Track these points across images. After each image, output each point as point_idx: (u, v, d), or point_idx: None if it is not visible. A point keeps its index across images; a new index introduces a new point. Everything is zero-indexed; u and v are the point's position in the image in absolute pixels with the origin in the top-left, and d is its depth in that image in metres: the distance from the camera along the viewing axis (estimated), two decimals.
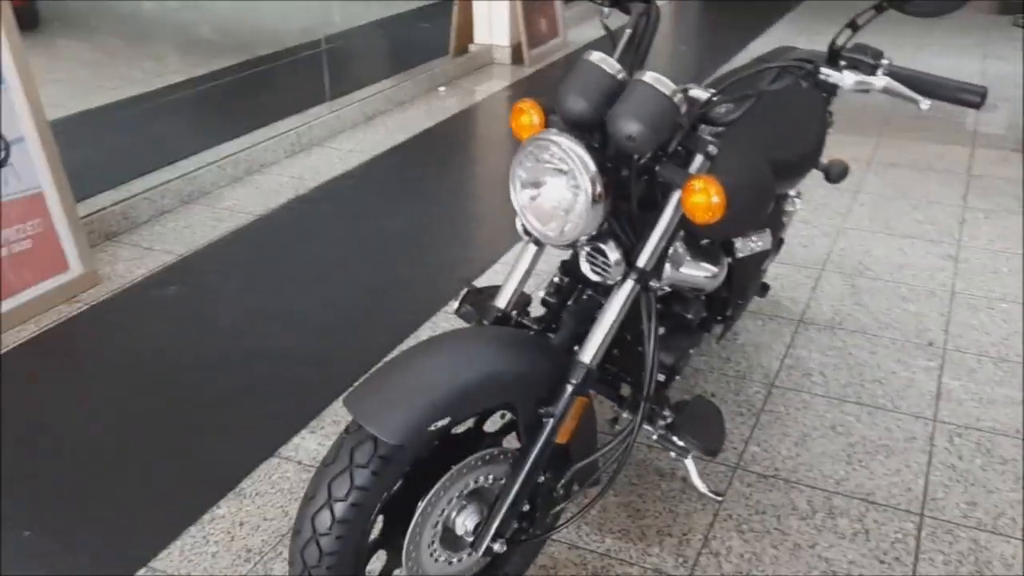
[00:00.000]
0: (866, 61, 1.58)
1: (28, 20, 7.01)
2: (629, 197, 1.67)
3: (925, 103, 1.52)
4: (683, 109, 1.59)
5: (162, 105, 5.29)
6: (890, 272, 3.44)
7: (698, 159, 1.65)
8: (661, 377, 2.13)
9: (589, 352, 1.70)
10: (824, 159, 2.94)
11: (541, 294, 1.97)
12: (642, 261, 1.70)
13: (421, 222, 3.89)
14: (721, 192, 1.55)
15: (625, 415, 2.12)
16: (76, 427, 2.55)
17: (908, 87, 1.57)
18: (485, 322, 1.85)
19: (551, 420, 1.68)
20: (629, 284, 1.70)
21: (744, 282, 2.34)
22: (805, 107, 2.48)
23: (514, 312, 1.87)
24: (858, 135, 4.92)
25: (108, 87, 5.79)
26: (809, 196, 4.10)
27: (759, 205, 1.83)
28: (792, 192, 2.58)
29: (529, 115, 1.72)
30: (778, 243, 2.63)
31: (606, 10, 1.83)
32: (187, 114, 5.15)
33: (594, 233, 1.66)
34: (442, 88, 5.81)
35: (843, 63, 1.58)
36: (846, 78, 1.56)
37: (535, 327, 1.93)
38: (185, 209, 3.98)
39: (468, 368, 1.59)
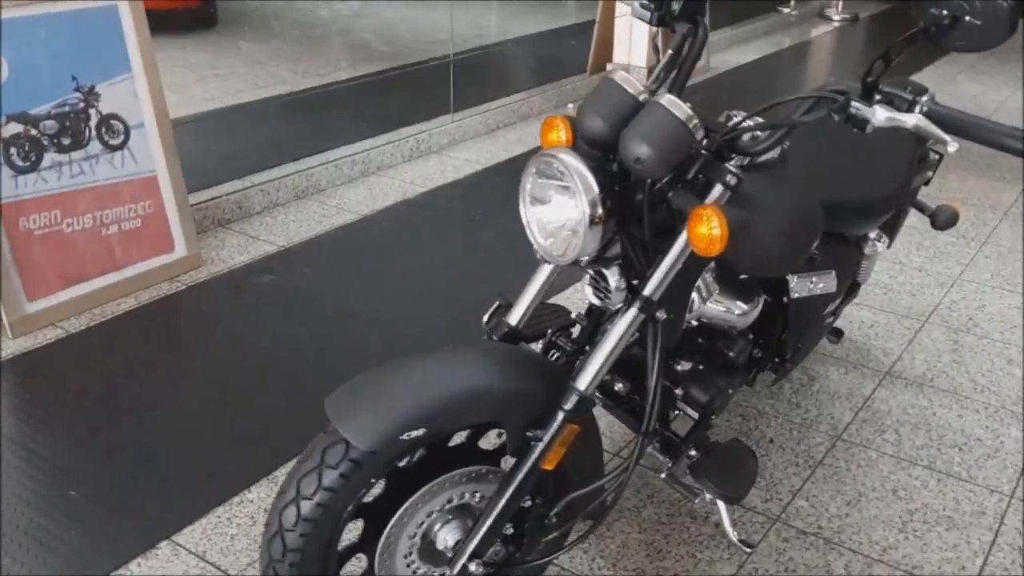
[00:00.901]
0: (903, 97, 1.47)
1: (205, 20, 7.53)
2: (641, 223, 1.61)
3: (953, 145, 1.39)
4: (699, 136, 1.52)
5: (300, 104, 5.54)
6: (1001, 331, 3.17)
7: (717, 189, 1.58)
8: (694, 415, 2.05)
9: (585, 379, 1.64)
10: (933, 203, 2.75)
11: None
12: (648, 290, 1.63)
13: (517, 236, 3.89)
14: (724, 224, 1.47)
15: (648, 449, 2.05)
16: (143, 396, 2.70)
17: (947, 128, 1.45)
18: (495, 337, 1.83)
19: (539, 444, 1.63)
20: (632, 312, 1.64)
21: (801, 325, 2.21)
22: (885, 144, 2.31)
23: (524, 328, 1.84)
24: (1003, 180, 4.56)
25: (260, 84, 6.12)
26: (930, 242, 3.83)
27: (789, 243, 1.72)
28: (872, 234, 2.41)
29: (558, 131, 1.69)
30: (851, 287, 2.46)
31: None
32: (319, 115, 5.37)
33: (593, 256, 1.61)
34: (571, 105, 5.81)
35: (877, 97, 1.47)
36: (877, 114, 1.45)
37: (559, 350, 1.90)
38: (297, 203, 4.15)
39: (453, 381, 1.58)
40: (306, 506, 1.53)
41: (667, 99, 1.50)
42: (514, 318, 1.84)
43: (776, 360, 2.33)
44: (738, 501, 2.00)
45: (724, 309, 1.88)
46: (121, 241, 3.28)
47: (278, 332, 3.07)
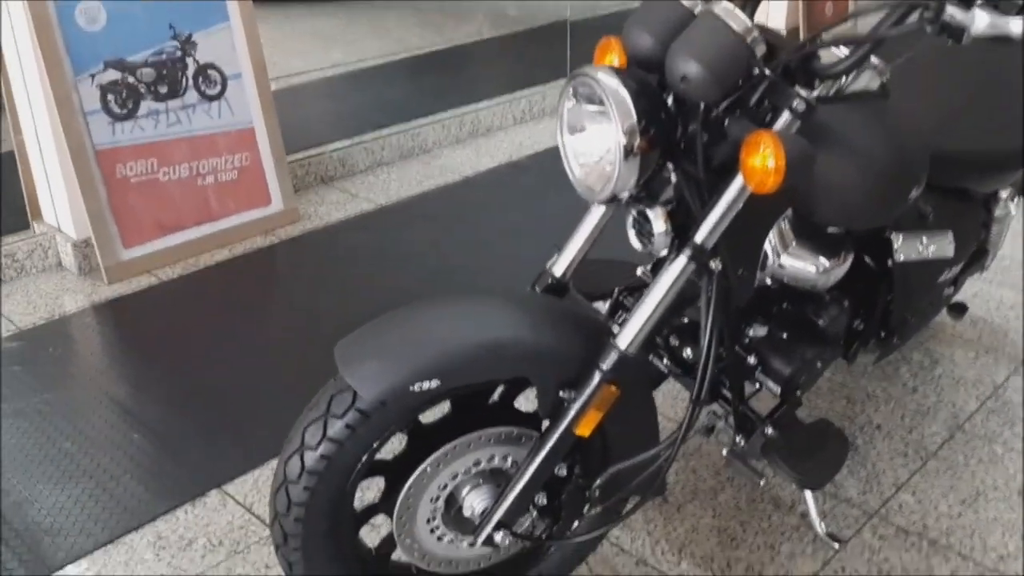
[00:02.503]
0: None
1: None
2: (695, 157, 1.39)
3: None
4: (759, 51, 1.29)
5: (419, 67, 5.47)
6: None
7: (783, 117, 1.34)
8: (775, 390, 1.81)
9: (626, 336, 1.45)
10: None
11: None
12: (700, 235, 1.41)
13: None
14: (780, 154, 1.24)
15: (720, 424, 1.83)
16: (224, 346, 2.67)
17: None
18: (538, 290, 1.65)
19: (572, 406, 1.45)
20: (680, 261, 1.42)
21: (909, 293, 1.92)
22: None
23: (570, 280, 1.65)
24: None
25: (385, 51, 6.10)
26: None
27: (872, 189, 1.46)
28: (1004, 193, 2.08)
29: (612, 54, 1.48)
30: (976, 254, 2.13)
31: None
32: (435, 78, 5.28)
33: (634, 192, 1.40)
34: None
35: (979, 0, 1.20)
36: (978, 19, 1.18)
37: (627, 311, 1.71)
38: (401, 163, 4.07)
39: (474, 331, 1.42)
40: (310, 457, 1.41)
41: (723, 7, 1.28)
42: (559, 268, 1.65)
43: (881, 335, 2.04)
44: (815, 488, 1.75)
45: (803, 265, 1.63)
46: (217, 192, 3.28)
47: (369, 286, 2.99)
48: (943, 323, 2.66)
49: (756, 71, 1.31)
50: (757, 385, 1.87)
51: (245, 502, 2.07)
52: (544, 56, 5.36)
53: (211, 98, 3.21)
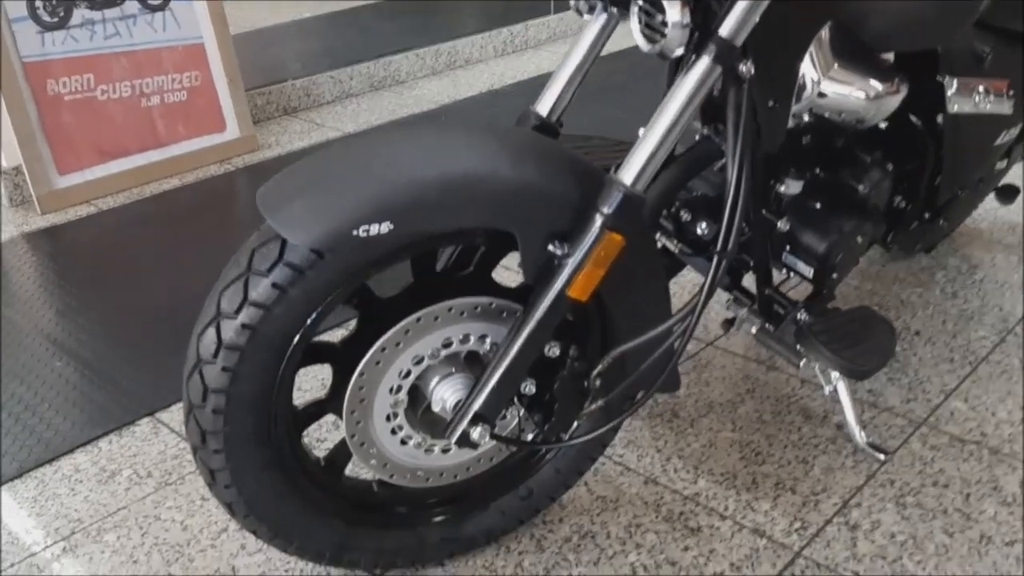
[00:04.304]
0: None
1: None
2: None
3: None
4: None
5: (397, 10, 5.13)
6: None
7: None
8: (808, 272, 1.51)
9: (631, 170, 1.14)
10: None
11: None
12: (726, 29, 1.10)
13: (617, 123, 3.36)
14: None
15: (743, 313, 1.53)
16: (162, 276, 2.35)
17: None
18: None
19: (566, 262, 1.14)
20: (703, 63, 1.11)
21: (961, 156, 1.62)
22: None
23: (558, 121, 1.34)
24: None
25: None
26: None
27: None
28: None
29: None
30: None
31: None
32: (414, 19, 4.94)
33: None
34: None
35: None
36: None
37: None
38: (373, 94, 3.74)
39: (438, 164, 1.10)
40: (229, 328, 1.09)
41: None
42: (545, 106, 1.35)
43: (925, 216, 1.74)
44: (864, 376, 1.45)
45: (849, 91, 1.32)
46: (164, 115, 2.94)
47: None
48: (978, 228, 2.37)
49: None
50: (785, 272, 1.57)
51: (179, 430, 1.76)
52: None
53: (154, 8, 2.87)
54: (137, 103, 2.88)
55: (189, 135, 2.99)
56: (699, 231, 1.48)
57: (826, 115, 1.36)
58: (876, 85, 1.33)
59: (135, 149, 2.88)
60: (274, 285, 1.08)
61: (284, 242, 1.08)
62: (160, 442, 1.73)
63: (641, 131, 1.35)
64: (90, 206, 2.76)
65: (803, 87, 1.29)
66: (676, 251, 1.53)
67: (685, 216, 1.51)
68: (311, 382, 1.83)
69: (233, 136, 3.08)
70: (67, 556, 1.48)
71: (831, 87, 1.30)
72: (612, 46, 1.48)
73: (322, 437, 1.70)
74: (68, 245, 2.55)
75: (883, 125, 1.53)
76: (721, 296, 1.60)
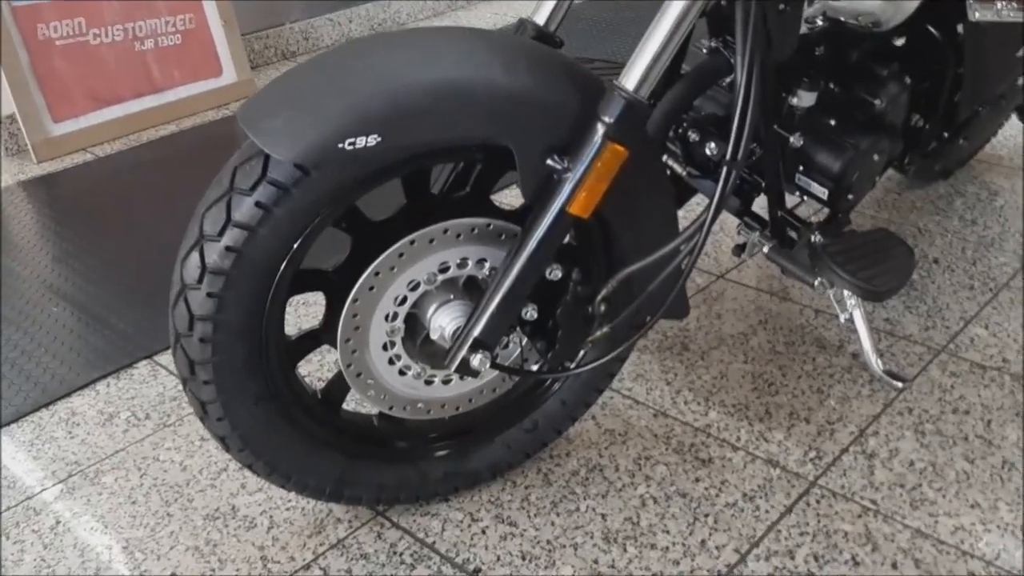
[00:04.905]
0: None
1: None
2: None
3: None
4: None
5: None
6: None
7: None
8: (822, 193, 1.45)
9: (633, 76, 1.07)
10: None
11: None
12: None
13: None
14: None
15: (754, 237, 1.47)
16: (159, 221, 2.30)
17: None
18: None
19: (566, 176, 1.08)
20: None
21: (982, 69, 1.54)
22: None
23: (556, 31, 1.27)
24: None
25: None
26: None
27: None
28: None
29: None
30: None
31: None
32: None
33: None
34: None
35: None
36: None
37: None
38: None
39: (428, 70, 1.04)
40: (213, 251, 1.04)
41: None
42: (542, 15, 1.28)
43: (944, 135, 1.67)
44: (882, 298, 1.39)
45: None
46: (159, 59, 2.87)
47: None
48: (998, 155, 2.29)
49: None
50: (798, 196, 1.51)
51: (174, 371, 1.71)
52: None
53: None
54: (130, 47, 2.81)
55: (185, 80, 2.92)
56: (708, 151, 1.41)
57: (841, 19, 1.28)
58: None
59: (130, 95, 2.82)
60: (258, 204, 1.02)
61: (267, 158, 1.02)
62: (159, 384, 1.70)
63: None
64: (86, 153, 2.71)
65: None
66: (684, 174, 1.47)
67: (693, 137, 1.44)
68: (311, 322, 1.79)
69: (230, 81, 3.01)
70: (65, 498, 1.45)
71: None
72: None
73: (324, 377, 1.66)
74: (64, 192, 2.50)
75: (900, 38, 1.45)
76: (732, 225, 1.54)
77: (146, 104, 2.85)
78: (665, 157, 1.46)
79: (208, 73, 2.97)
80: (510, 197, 1.31)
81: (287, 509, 1.39)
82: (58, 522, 1.40)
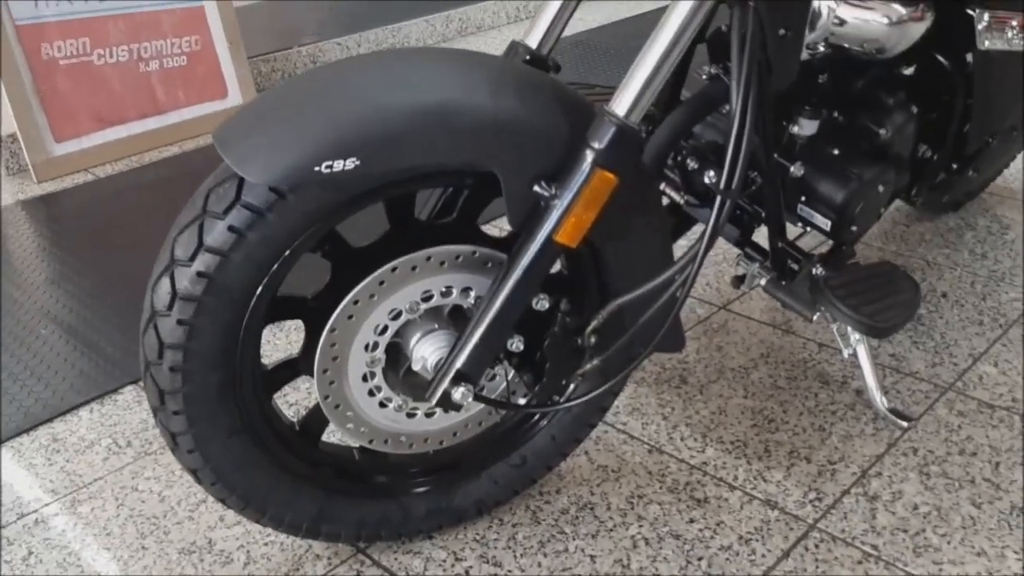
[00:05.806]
0: None
1: None
2: None
3: None
4: None
5: None
6: None
7: None
8: (825, 224, 1.40)
9: (624, 101, 1.03)
10: None
11: None
12: None
13: None
14: None
15: (755, 270, 1.42)
16: (160, 243, 2.27)
17: None
18: None
19: (553, 204, 1.04)
20: None
21: (993, 99, 1.50)
22: None
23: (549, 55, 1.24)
24: None
25: None
26: None
27: None
28: None
29: None
30: None
31: None
32: None
33: None
34: None
35: None
36: None
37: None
38: None
39: (411, 92, 1.00)
40: (183, 277, 1.01)
41: None
42: (534, 38, 1.24)
43: (953, 166, 1.62)
44: (884, 335, 1.34)
45: (870, 16, 1.21)
46: (164, 80, 2.86)
47: None
48: (1010, 188, 2.24)
49: None
50: (800, 227, 1.46)
51: None
52: None
53: None
54: (135, 68, 2.80)
55: (189, 101, 2.91)
56: (706, 179, 1.37)
57: (844, 45, 1.24)
58: (899, 8, 1.21)
59: (134, 116, 2.81)
60: (231, 228, 0.99)
61: (242, 181, 0.99)
62: (142, 411, 1.66)
63: None
64: (87, 174, 2.69)
65: (818, 13, 1.18)
66: (682, 203, 1.42)
67: (692, 164, 1.40)
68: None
69: (236, 103, 3.00)
70: (39, 528, 1.40)
71: (849, 12, 1.19)
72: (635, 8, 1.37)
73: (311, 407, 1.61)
74: (63, 213, 2.48)
75: (907, 67, 1.41)
76: (735, 255, 1.50)
77: (150, 125, 2.84)
78: (664, 185, 1.43)
79: (213, 95, 2.96)
80: (501, 224, 1.28)
81: (265, 544, 1.34)
82: (30, 553, 1.36)
